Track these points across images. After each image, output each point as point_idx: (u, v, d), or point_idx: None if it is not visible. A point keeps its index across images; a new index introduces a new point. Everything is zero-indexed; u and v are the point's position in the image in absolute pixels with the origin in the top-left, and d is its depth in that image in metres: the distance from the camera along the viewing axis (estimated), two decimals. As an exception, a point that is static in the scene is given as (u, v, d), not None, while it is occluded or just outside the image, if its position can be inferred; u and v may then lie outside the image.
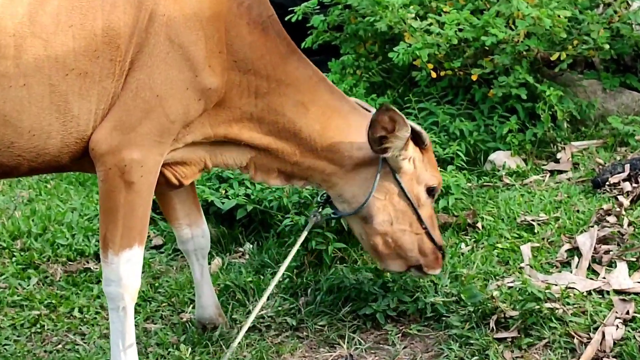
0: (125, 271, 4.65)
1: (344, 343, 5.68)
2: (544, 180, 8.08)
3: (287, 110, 4.94)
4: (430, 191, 5.30)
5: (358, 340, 5.73)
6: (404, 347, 5.63)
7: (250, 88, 4.85)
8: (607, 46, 8.51)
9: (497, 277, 6.18)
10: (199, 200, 5.73)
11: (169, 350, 5.59)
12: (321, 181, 5.24)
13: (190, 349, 5.50)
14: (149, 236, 7.29)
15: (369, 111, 5.23)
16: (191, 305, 6.14)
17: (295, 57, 5.00)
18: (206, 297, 5.71)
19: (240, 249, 7.13)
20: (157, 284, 6.53)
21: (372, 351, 5.64)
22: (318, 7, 9.51)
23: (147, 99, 4.52)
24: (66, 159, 4.66)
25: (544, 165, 8.45)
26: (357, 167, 5.15)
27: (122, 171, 4.52)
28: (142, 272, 6.49)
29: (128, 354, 4.79)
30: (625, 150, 8.58)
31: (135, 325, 5.81)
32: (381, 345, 5.71)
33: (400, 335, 5.76)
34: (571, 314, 5.61)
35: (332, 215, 5.49)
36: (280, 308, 6.06)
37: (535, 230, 6.90)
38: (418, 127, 5.12)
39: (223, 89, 4.77)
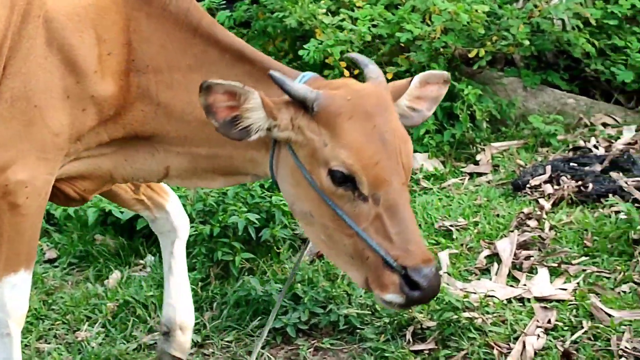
0: (10, 297, 4.37)
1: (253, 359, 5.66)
2: (462, 184, 8.18)
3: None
4: (335, 177, 3.93)
5: (267, 356, 5.71)
6: (317, 363, 5.64)
7: (150, 87, 4.41)
8: (527, 42, 8.69)
9: (413, 286, 6.18)
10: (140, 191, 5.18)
11: (65, 371, 5.52)
12: (258, 172, 4.50)
13: (86, 370, 5.47)
14: (42, 249, 7.19)
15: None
16: (87, 323, 6.06)
17: (203, 35, 4.40)
18: (168, 296, 5.34)
19: (141, 261, 7.04)
20: (50, 301, 6.40)
21: (284, 367, 5.64)
22: (224, 2, 9.49)
23: (24, 110, 4.20)
24: None
25: (462, 167, 8.56)
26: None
27: (5, 192, 4.22)
28: (35, 288, 6.42)
29: None
30: (547, 151, 8.74)
31: (27, 345, 5.76)
32: (293, 360, 5.70)
33: (312, 349, 5.74)
34: (490, 324, 5.66)
35: None
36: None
37: (454, 236, 6.96)
38: (297, 87, 4.02)
39: (120, 96, 4.36)
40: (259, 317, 5.96)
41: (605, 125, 9.27)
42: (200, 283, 6.32)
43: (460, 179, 8.27)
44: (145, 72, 4.39)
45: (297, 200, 4.17)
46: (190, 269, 6.39)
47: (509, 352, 5.36)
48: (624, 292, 6.00)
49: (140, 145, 4.51)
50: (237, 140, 4.12)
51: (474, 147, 8.77)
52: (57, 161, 4.32)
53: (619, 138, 8.85)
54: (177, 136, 4.45)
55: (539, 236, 6.81)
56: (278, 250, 6.71)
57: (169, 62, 4.40)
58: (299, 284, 6.05)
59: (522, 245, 6.68)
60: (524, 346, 5.38)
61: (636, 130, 9.00)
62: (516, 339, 5.50)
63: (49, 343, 5.90)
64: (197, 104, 4.21)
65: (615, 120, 9.39)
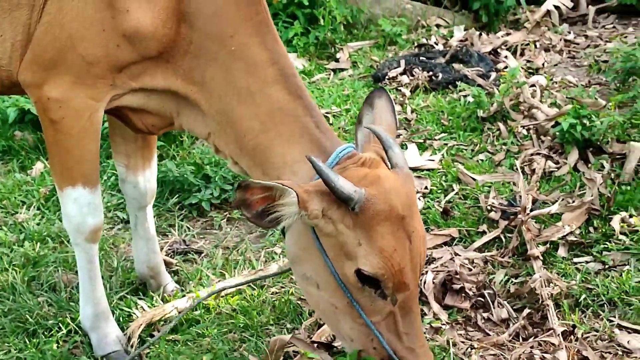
0: (73, 210, 4.08)
1: (175, 231, 5.66)
2: (329, 78, 8.28)
3: (232, 89, 3.80)
4: (364, 277, 3.49)
5: (187, 227, 5.72)
6: (231, 230, 5.68)
7: (202, 49, 3.81)
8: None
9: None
10: (150, 150, 4.70)
11: (12, 248, 5.38)
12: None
13: (33, 246, 5.35)
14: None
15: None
16: (24, 207, 5.92)
17: (255, 27, 3.81)
18: (138, 252, 4.91)
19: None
20: (-16, 191, 6.18)
21: (202, 236, 5.65)
22: None
23: (58, 36, 3.79)
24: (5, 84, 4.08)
25: (326, 64, 8.65)
26: None
27: (44, 108, 3.89)
28: (-32, 181, 6.19)
29: None
30: (394, 49, 8.92)
31: (-28, 230, 5.59)
32: (209, 230, 5.72)
33: (225, 220, 5.79)
34: (377, 191, 5.83)
35: None
36: (109, 203, 5.93)
37: (331, 121, 7.06)
38: (342, 185, 3.40)
39: (162, 39, 3.78)
40: (176, 195, 5.95)
41: (438, 26, 9.53)
42: (119, 168, 6.23)
43: (326, 74, 8.37)
44: (197, 30, 3.80)
45: (302, 264, 3.69)
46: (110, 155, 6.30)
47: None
48: (482, 160, 6.30)
49: (193, 105, 3.95)
50: (266, 228, 3.89)
51: (333, 48, 8.87)
52: (100, 89, 3.89)
53: (452, 36, 9.12)
54: (212, 113, 3.90)
55: (405, 118, 7.01)
56: (181, 139, 6.70)
57: (218, 32, 3.80)
58: (207, 166, 6.06)
59: (393, 126, 6.85)
60: (408, 208, 5.55)
61: (465, 30, 9.27)
62: (400, 202, 5.67)
63: (-9, 227, 5.74)
64: (228, 97, 3.81)
65: (446, 21, 9.66)
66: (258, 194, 3.43)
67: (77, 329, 4.49)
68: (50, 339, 4.44)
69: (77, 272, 4.96)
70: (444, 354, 4.11)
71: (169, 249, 5.42)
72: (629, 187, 5.50)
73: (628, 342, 4.22)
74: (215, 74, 3.80)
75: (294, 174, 3.65)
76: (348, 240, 3.48)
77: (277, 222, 3.48)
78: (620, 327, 4.35)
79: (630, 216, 5.13)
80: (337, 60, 8.68)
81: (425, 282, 4.73)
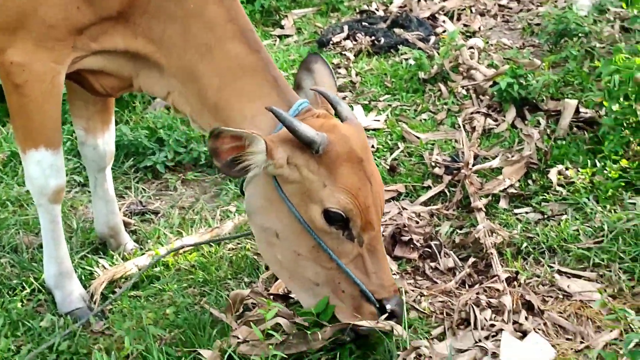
0: (35, 171, 4.11)
1: (132, 193, 5.70)
2: (275, 44, 8.32)
3: (191, 46, 3.83)
4: (331, 217, 3.60)
5: (142, 189, 5.77)
6: (186, 191, 5.74)
7: (155, 8, 3.84)
8: None
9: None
10: (109, 113, 4.74)
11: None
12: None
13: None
14: None
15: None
16: (-18, 172, 5.93)
17: None
18: (98, 212, 4.95)
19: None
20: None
21: (158, 197, 5.70)
22: None
23: (18, 2, 3.79)
24: None
25: (271, 31, 8.69)
26: None
27: (7, 72, 3.89)
28: None
29: None
30: (337, 15, 8.99)
31: None
32: (164, 192, 5.77)
33: (179, 181, 5.84)
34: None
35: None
36: (66, 168, 5.86)
37: (278, 85, 7.13)
38: (304, 129, 3.51)
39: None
40: (131, 158, 5.98)
41: (379, -8, 9.62)
42: (74, 134, 6.22)
43: (272, 41, 8.41)
44: None
45: (262, 215, 3.75)
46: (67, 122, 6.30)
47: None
48: (424, 119, 6.43)
49: (152, 65, 3.99)
50: (234, 176, 3.88)
51: (278, 15, 8.93)
52: (61, 52, 3.89)
53: (391, 3, 9.20)
54: (172, 72, 3.95)
55: (350, 81, 7.11)
56: (134, 104, 6.72)
57: None
58: (161, 130, 6.10)
59: (339, 89, 6.93)
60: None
61: (404, -4, 9.39)
62: (348, 160, 5.77)
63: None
64: (189, 54, 3.83)
65: (385, -13, 9.76)
66: (228, 143, 3.47)
67: (40, 288, 4.55)
68: (14, 298, 4.49)
69: (37, 233, 5.04)
70: (396, 301, 4.22)
71: (127, 210, 5.47)
72: (564, 142, 5.66)
73: (568, 286, 4.37)
74: (174, 33, 3.84)
75: (255, 126, 3.69)
76: (313, 185, 3.58)
77: (246, 170, 3.54)
78: (560, 272, 4.50)
79: (567, 169, 5.30)
80: (282, 27, 8.73)
81: (375, 235, 4.85)
